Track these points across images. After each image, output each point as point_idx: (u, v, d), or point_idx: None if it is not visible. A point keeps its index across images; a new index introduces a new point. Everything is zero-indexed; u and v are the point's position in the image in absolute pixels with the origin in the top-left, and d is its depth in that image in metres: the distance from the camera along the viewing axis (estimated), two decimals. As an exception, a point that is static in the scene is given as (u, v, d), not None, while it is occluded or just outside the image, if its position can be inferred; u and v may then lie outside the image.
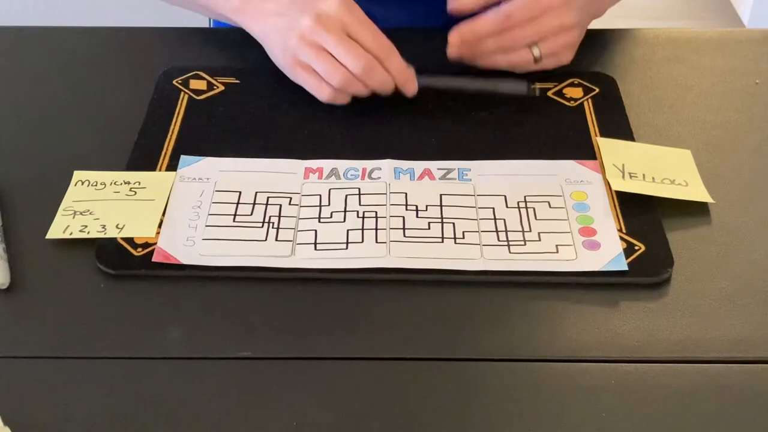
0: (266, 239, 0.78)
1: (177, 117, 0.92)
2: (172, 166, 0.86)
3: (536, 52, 0.93)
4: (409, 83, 0.91)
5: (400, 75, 0.90)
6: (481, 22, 0.94)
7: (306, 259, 0.76)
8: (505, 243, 0.78)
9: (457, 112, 0.93)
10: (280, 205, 0.81)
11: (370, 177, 0.84)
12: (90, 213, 0.80)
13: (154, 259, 0.76)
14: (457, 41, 0.95)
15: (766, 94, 0.97)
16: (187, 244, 0.77)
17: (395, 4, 1.10)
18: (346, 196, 0.82)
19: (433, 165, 0.85)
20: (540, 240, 0.78)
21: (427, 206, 0.81)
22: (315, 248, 0.77)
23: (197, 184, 0.83)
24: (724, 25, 2.74)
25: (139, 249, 0.77)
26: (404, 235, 0.78)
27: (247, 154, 0.87)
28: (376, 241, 0.78)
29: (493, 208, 0.81)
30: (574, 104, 0.94)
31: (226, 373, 0.69)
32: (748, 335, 0.72)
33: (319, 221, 0.80)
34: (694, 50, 1.03)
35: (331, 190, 0.83)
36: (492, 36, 0.93)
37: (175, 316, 0.73)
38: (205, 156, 0.87)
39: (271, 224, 0.79)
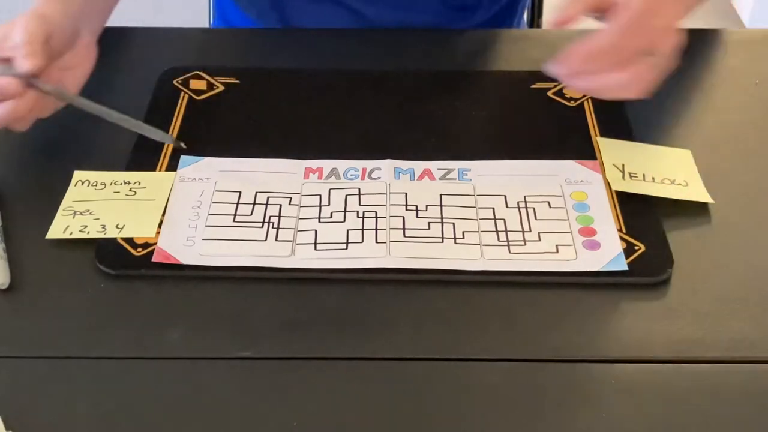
0: (266, 239, 0.78)
1: (177, 117, 0.92)
2: (172, 166, 0.86)
3: (655, 59, 0.82)
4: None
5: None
6: (596, 58, 0.81)
7: (306, 259, 0.76)
8: (505, 243, 0.78)
9: (457, 112, 0.93)
10: (280, 205, 0.81)
11: (370, 177, 0.84)
12: (90, 213, 0.80)
13: (154, 259, 0.76)
14: (571, 79, 0.84)
15: (766, 94, 0.97)
16: (187, 244, 0.77)
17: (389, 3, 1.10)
18: (346, 196, 0.82)
19: (433, 165, 0.85)
20: (540, 240, 0.78)
21: (427, 206, 0.81)
22: (315, 248, 0.77)
23: (197, 184, 0.83)
24: (724, 25, 2.74)
25: (139, 249, 0.77)
26: (404, 235, 0.78)
27: (247, 154, 0.87)
28: (376, 241, 0.78)
29: (493, 208, 0.81)
30: (574, 104, 0.94)
31: (226, 373, 0.69)
32: (748, 335, 0.72)
33: (319, 221, 0.80)
34: (695, 50, 1.03)
35: (331, 190, 0.83)
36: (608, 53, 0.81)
37: (175, 316, 0.73)
38: (205, 156, 0.87)
39: (271, 224, 0.79)
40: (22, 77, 0.81)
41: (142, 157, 0.87)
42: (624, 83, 0.81)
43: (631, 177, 0.83)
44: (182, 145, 0.84)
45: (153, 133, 0.85)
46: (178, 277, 0.75)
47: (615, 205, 0.81)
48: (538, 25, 1.40)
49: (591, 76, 0.82)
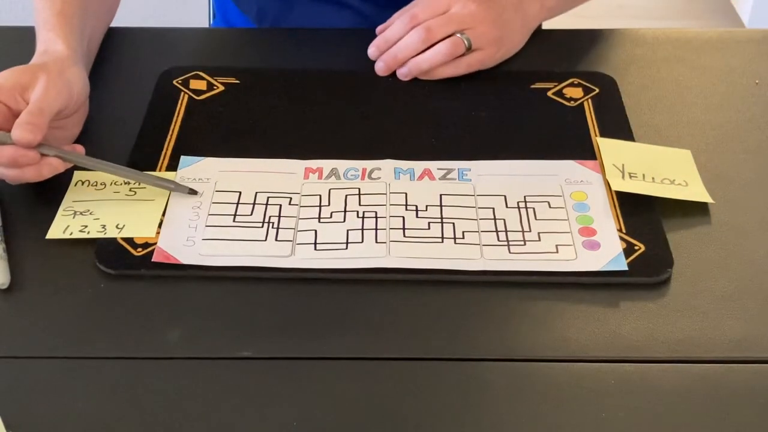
0: (266, 239, 0.78)
1: (177, 117, 0.92)
2: (172, 166, 0.86)
3: (465, 40, 0.94)
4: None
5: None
6: (390, 29, 0.98)
7: (306, 259, 0.76)
8: (505, 243, 0.78)
9: (457, 112, 0.93)
10: (280, 205, 0.81)
11: (370, 177, 0.84)
12: (90, 213, 0.80)
13: (154, 259, 0.76)
14: (375, 53, 0.98)
15: (766, 94, 0.97)
16: (187, 244, 0.77)
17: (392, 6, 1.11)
18: (346, 196, 0.82)
19: (433, 165, 0.85)
20: (540, 240, 0.78)
21: (427, 206, 0.81)
22: (315, 248, 0.77)
23: (197, 184, 0.83)
24: (724, 25, 2.74)
25: (139, 249, 0.77)
26: (404, 235, 0.78)
27: (247, 154, 0.87)
28: (376, 241, 0.77)
29: (493, 208, 0.81)
30: (574, 104, 0.94)
31: (226, 373, 0.69)
32: (748, 335, 0.72)
33: (319, 221, 0.80)
34: (694, 50, 1.03)
35: (331, 190, 0.83)
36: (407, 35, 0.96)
37: (175, 316, 0.73)
38: (205, 156, 0.87)
39: (271, 224, 0.79)
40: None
41: (142, 157, 0.87)
42: (433, 57, 0.95)
43: (631, 177, 0.83)
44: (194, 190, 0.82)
45: (165, 184, 0.83)
46: (178, 277, 0.75)
47: (615, 205, 0.81)
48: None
49: (409, 60, 0.95)
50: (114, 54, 1.02)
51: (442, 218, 0.80)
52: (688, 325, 0.72)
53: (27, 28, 1.10)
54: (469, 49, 0.95)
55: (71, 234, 0.78)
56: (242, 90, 0.96)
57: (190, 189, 0.82)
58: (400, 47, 0.96)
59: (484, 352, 0.70)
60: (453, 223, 0.79)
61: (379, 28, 1.01)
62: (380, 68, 0.97)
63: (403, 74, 0.96)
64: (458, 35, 0.95)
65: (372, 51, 0.98)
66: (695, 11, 2.84)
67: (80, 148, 0.83)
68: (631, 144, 0.88)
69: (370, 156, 0.86)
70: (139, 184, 0.83)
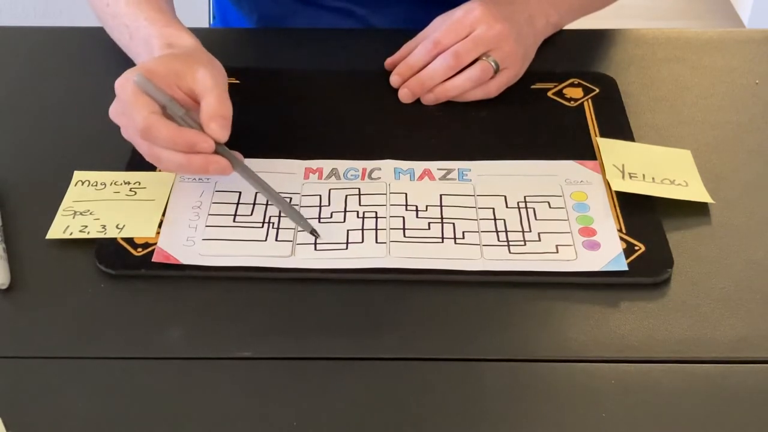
0: (266, 239, 0.78)
1: (177, 117, 0.92)
2: (172, 166, 0.85)
3: (492, 62, 0.92)
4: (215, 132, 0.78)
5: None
6: (413, 55, 0.95)
7: (306, 259, 0.76)
8: (505, 243, 0.78)
9: (457, 112, 0.93)
10: (280, 205, 0.81)
11: (370, 177, 0.84)
12: (90, 213, 0.80)
13: (154, 259, 0.76)
14: (398, 81, 0.95)
15: (766, 94, 0.97)
16: (187, 244, 0.78)
17: (381, 7, 1.10)
18: (346, 196, 0.82)
19: (433, 165, 0.85)
20: (540, 240, 0.78)
21: (427, 206, 0.81)
22: (315, 248, 0.77)
23: (197, 184, 0.83)
24: (724, 25, 2.74)
25: (139, 249, 0.77)
26: (404, 236, 0.78)
27: (247, 154, 0.87)
28: (376, 242, 0.78)
29: (493, 209, 0.81)
30: (574, 104, 0.94)
31: (226, 373, 0.69)
32: (748, 335, 0.72)
33: (319, 221, 0.80)
34: (694, 50, 1.03)
35: (331, 191, 0.83)
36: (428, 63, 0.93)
37: (175, 316, 0.73)
38: (205, 156, 0.87)
39: (271, 224, 0.79)
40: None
41: (143, 157, 0.86)
42: (463, 83, 0.92)
43: (631, 177, 0.83)
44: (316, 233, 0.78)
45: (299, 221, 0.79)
46: (178, 277, 0.75)
47: (615, 205, 0.81)
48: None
49: (437, 86, 0.93)
50: (114, 54, 1.01)
51: (442, 218, 0.80)
52: (688, 325, 0.72)
53: (27, 28, 1.10)
54: (496, 71, 0.92)
55: (71, 234, 0.78)
56: (242, 90, 0.96)
57: (313, 229, 0.78)
58: (428, 74, 0.93)
59: (484, 352, 0.70)
60: (453, 224, 0.79)
61: (397, 55, 0.97)
62: (405, 95, 0.94)
63: (429, 100, 0.93)
64: (484, 58, 0.92)
65: (395, 79, 0.95)
66: (695, 11, 2.84)
67: (240, 156, 0.81)
68: (631, 144, 0.88)
69: (370, 156, 0.86)
70: (140, 184, 0.83)
